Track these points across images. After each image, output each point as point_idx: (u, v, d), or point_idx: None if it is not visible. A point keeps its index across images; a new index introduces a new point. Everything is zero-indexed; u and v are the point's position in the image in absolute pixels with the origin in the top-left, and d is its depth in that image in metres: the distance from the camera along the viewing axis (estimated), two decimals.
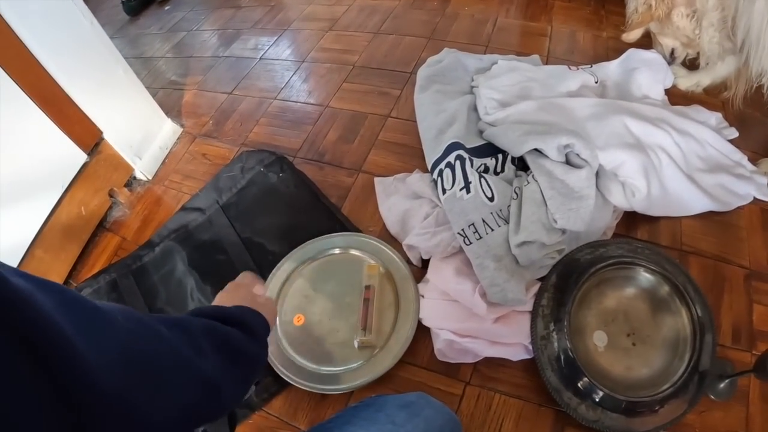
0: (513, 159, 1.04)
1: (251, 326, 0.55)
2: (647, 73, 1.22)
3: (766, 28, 0.92)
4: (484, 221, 0.92)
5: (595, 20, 1.58)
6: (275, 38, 1.77)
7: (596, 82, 1.22)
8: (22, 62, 1.05)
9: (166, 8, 2.25)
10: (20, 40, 1.04)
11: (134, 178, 1.35)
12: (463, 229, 0.92)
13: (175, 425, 0.38)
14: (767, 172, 1.08)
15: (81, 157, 1.22)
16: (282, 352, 0.91)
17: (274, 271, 1.02)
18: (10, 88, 1.02)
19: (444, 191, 0.99)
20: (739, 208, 1.06)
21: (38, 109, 1.10)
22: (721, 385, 0.83)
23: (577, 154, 0.93)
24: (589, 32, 1.54)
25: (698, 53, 1.19)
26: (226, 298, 0.68)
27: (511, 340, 0.86)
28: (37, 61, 1.08)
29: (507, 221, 0.92)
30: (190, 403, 0.40)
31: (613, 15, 1.55)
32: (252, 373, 0.53)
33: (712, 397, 0.83)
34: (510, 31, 1.60)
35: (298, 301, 0.98)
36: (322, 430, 0.53)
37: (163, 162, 1.40)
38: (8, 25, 1.01)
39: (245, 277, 0.75)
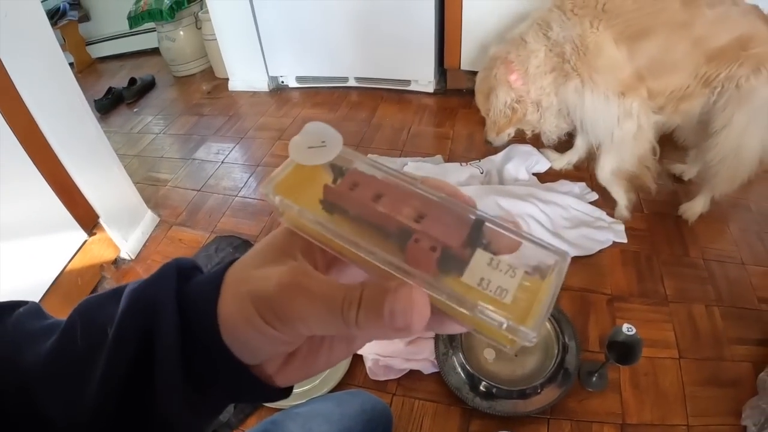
0: None
1: None
2: (522, 162, 1.66)
3: (596, 117, 1.33)
4: None
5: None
6: (234, 145, 2.11)
7: (482, 173, 1.65)
8: (46, 158, 1.34)
9: (135, 110, 2.51)
10: (46, 140, 1.33)
11: (120, 257, 1.60)
12: None
13: None
14: (625, 220, 1.44)
15: (82, 236, 1.50)
16: None
17: None
18: (37, 179, 1.32)
19: None
20: (601, 251, 1.38)
21: (55, 195, 1.37)
22: (594, 379, 1.11)
23: None
24: (482, 132, 1.76)
25: (539, 132, 1.57)
26: None
27: (420, 357, 1.20)
28: (57, 157, 1.37)
29: None
30: None
31: None
32: None
33: (589, 389, 1.10)
34: (421, 136, 1.99)
35: None
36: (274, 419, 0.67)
37: (145, 245, 1.66)
38: (42, 133, 1.31)
39: None
